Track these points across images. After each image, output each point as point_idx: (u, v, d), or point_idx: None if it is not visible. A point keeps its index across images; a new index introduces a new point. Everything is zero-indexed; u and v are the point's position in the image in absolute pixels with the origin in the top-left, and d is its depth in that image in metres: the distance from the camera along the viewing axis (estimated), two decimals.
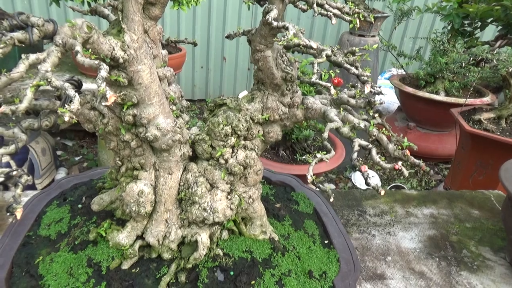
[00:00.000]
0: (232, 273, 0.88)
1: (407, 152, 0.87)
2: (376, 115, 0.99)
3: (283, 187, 1.28)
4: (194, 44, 2.23)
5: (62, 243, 0.92)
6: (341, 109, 0.90)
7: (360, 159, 0.82)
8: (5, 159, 2.70)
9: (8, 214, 0.63)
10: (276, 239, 1.00)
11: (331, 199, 0.79)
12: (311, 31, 4.31)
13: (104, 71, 0.59)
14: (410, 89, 3.40)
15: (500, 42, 1.82)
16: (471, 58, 2.29)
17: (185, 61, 2.58)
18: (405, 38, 4.47)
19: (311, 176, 0.75)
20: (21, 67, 0.59)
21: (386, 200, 1.67)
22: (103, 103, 0.57)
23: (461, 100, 3.05)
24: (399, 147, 0.88)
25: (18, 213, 0.64)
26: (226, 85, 4.65)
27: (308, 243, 1.02)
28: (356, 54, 0.81)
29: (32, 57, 0.60)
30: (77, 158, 3.41)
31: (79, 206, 1.04)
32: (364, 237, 1.43)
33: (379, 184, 3.26)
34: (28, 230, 0.98)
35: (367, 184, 0.81)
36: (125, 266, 0.86)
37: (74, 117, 0.55)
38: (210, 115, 0.93)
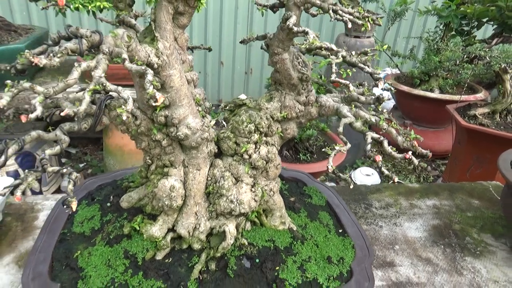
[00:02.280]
0: (257, 260, 0.95)
1: (415, 143, 0.95)
2: (384, 110, 1.07)
3: (295, 182, 1.36)
4: (209, 50, 2.33)
5: (97, 238, 0.98)
6: (352, 105, 0.98)
7: (374, 150, 0.89)
8: (13, 167, 2.75)
9: (64, 207, 0.70)
10: (295, 229, 1.07)
11: (351, 186, 0.86)
12: None
13: (150, 75, 0.66)
14: (405, 88, 3.50)
15: (497, 40, 1.92)
16: (465, 56, 2.39)
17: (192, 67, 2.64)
18: (398, 38, 4.58)
19: (331, 166, 0.82)
20: (75, 74, 0.66)
21: (390, 194, 1.75)
22: (153, 104, 0.64)
23: (456, 97, 3.15)
24: (407, 138, 0.95)
25: (74, 205, 0.70)
26: (224, 89, 4.73)
27: (324, 232, 1.10)
28: (368, 54, 0.89)
29: (84, 65, 0.67)
30: (81, 165, 3.46)
31: (108, 204, 1.10)
32: (372, 228, 1.51)
33: (379, 181, 3.35)
34: (62, 228, 1.04)
35: (382, 172, 0.88)
36: (159, 256, 0.93)
37: (130, 116, 0.62)
38: (231, 115, 1.00)
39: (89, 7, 2.40)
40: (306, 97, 0.97)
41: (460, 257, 1.38)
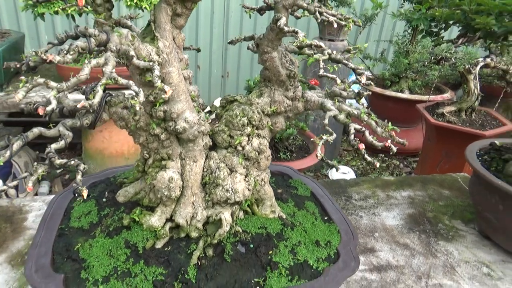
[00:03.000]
0: (251, 245, 1.01)
1: (393, 133, 1.04)
2: (364, 105, 1.16)
3: (281, 175, 1.43)
4: (198, 50, 2.42)
5: (97, 231, 1.02)
6: (335, 100, 1.06)
7: (357, 139, 0.98)
8: None
9: (76, 195, 0.74)
10: (284, 217, 1.14)
11: (338, 171, 0.94)
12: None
13: (157, 71, 0.71)
14: (377, 89, 3.66)
15: (462, 40, 2.08)
16: (432, 58, 2.55)
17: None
18: (369, 41, 4.76)
19: (320, 154, 0.90)
20: (86, 70, 0.70)
21: (368, 186, 1.85)
22: (163, 96, 0.69)
23: (425, 97, 3.33)
24: (385, 129, 1.04)
25: (85, 193, 0.74)
26: (201, 92, 4.76)
27: (311, 219, 1.17)
28: (351, 52, 0.98)
29: (93, 61, 0.72)
30: (58, 171, 3.41)
31: (104, 200, 1.14)
32: (353, 218, 1.60)
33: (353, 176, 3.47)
34: (60, 224, 1.07)
35: (365, 159, 0.97)
36: (159, 245, 0.98)
37: (142, 107, 0.67)
38: (223, 110, 1.07)
39: (69, 11, 2.40)
40: (293, 92, 1.05)
41: (434, 241, 1.49)
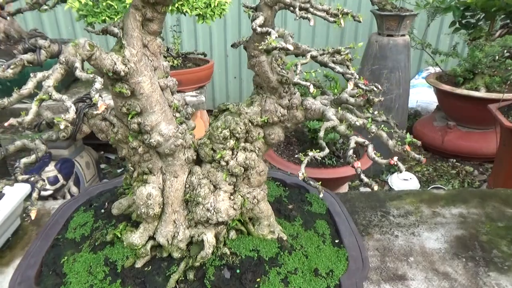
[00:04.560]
0: (238, 271, 0.92)
1: (407, 147, 0.87)
2: (381, 112, 1.00)
3: (298, 188, 1.30)
4: (204, 55, 2.45)
5: (85, 245, 1.00)
6: (339, 108, 0.92)
7: (354, 156, 0.83)
8: (53, 173, 2.91)
9: (24, 215, 0.71)
10: (285, 238, 1.02)
11: (321, 195, 0.81)
12: (342, 34, 4.29)
13: (98, 84, 0.65)
14: (447, 87, 3.29)
15: (501, 31, 1.73)
16: (505, 51, 2.19)
17: (213, 72, 2.66)
18: (441, 35, 4.32)
19: (302, 173, 0.77)
20: (30, 84, 0.67)
21: (411, 201, 1.63)
22: (94, 112, 0.64)
23: (499, 96, 2.90)
24: (399, 142, 0.87)
25: (33, 214, 0.71)
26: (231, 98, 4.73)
27: (317, 242, 1.04)
28: (342, 53, 0.83)
29: (39, 75, 0.68)
30: (119, 170, 3.60)
31: (102, 211, 1.12)
32: (386, 238, 1.41)
33: (418, 186, 3.17)
34: (57, 234, 1.08)
35: (361, 180, 0.81)
36: (138, 264, 0.93)
37: (69, 125, 0.62)
38: (214, 120, 0.98)
39: (116, 19, 2.45)
40: (289, 100, 0.93)
41: (483, 272, 1.25)
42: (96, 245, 0.98)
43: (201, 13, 2.47)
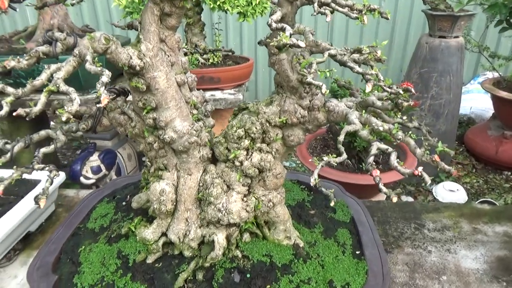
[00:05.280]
0: (248, 275, 0.89)
1: (436, 157, 0.79)
2: (404, 117, 0.92)
3: (327, 195, 1.24)
4: (232, 52, 2.45)
5: (102, 236, 1.02)
6: (363, 111, 0.86)
7: (374, 163, 0.77)
8: (96, 163, 3.04)
9: (35, 203, 0.73)
10: (301, 245, 0.98)
11: (332, 203, 0.75)
12: (392, 35, 4.11)
13: (105, 77, 0.65)
14: (504, 94, 3.05)
15: None
16: None
17: (252, 70, 2.65)
18: (502, 37, 4.01)
19: (314, 179, 0.72)
20: (43, 75, 0.68)
21: (450, 214, 1.51)
22: (97, 105, 0.64)
23: None
24: (427, 152, 0.80)
25: (42, 203, 0.73)
26: None
27: (336, 252, 0.98)
28: (363, 52, 0.77)
29: (53, 67, 0.69)
30: None
31: (123, 203, 1.14)
32: (418, 252, 1.32)
33: (465, 199, 2.96)
34: (80, 223, 1.10)
35: (379, 189, 0.75)
36: (149, 260, 0.92)
37: (71, 117, 0.62)
38: (233, 119, 0.96)
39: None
40: (310, 101, 0.88)
41: None
42: (112, 237, 0.99)
43: (242, 11, 2.46)
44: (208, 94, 2.41)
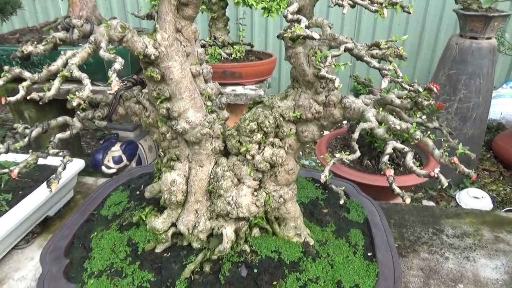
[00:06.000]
0: (255, 270, 0.88)
1: (455, 160, 0.76)
2: (423, 117, 0.89)
3: (338, 193, 1.22)
4: (251, 46, 2.44)
5: (114, 223, 1.03)
6: (381, 109, 0.83)
7: (388, 163, 0.74)
8: (118, 153, 3.09)
9: (46, 187, 0.74)
10: (311, 243, 0.96)
11: (341, 201, 0.73)
12: (421, 35, 4.00)
13: (118, 64, 0.65)
14: None
15: None
16: None
17: (274, 67, 2.63)
18: None
19: (325, 176, 0.70)
20: (59, 61, 0.69)
21: (471, 221, 1.46)
22: (108, 91, 0.64)
23: None
24: (446, 153, 0.77)
25: (53, 187, 0.74)
26: None
27: (347, 253, 0.96)
28: (381, 47, 0.74)
29: (69, 53, 0.70)
30: None
31: (137, 192, 1.15)
32: (434, 258, 1.27)
33: (490, 207, 2.86)
34: (94, 209, 1.12)
35: (392, 190, 0.72)
36: (158, 249, 0.93)
37: (82, 102, 0.62)
38: (247, 112, 0.95)
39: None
40: (326, 96, 0.86)
41: None
42: (123, 224, 1.00)
43: (266, 6, 2.45)
44: (229, 89, 2.41)
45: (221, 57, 2.53)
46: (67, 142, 2.78)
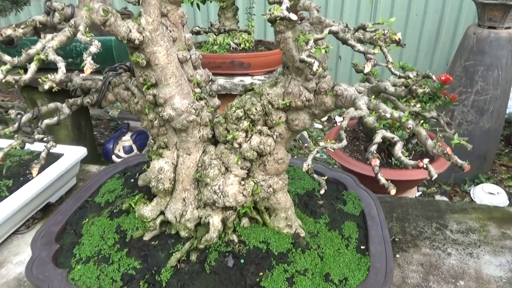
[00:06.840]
0: (242, 261, 0.86)
1: (449, 150, 0.72)
2: (432, 106, 0.85)
3: (336, 184, 1.19)
4: (248, 33, 2.40)
5: (106, 210, 1.03)
6: (373, 97, 0.80)
7: (375, 152, 0.71)
8: (128, 143, 3.12)
9: (27, 171, 0.74)
10: (302, 235, 0.94)
11: (322, 191, 0.71)
12: (440, 26, 3.87)
13: (94, 47, 0.64)
14: None
15: None
16: None
17: None
18: None
19: (307, 165, 0.68)
20: (38, 45, 0.68)
21: (477, 216, 1.40)
22: (81, 75, 0.64)
23: None
24: (439, 143, 0.73)
25: (34, 171, 0.74)
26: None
27: (339, 245, 0.93)
28: (367, 29, 0.71)
29: (48, 36, 0.69)
30: None
31: (131, 180, 1.14)
32: (436, 254, 1.23)
33: (506, 203, 2.77)
34: (89, 196, 1.13)
35: (378, 180, 0.69)
36: (146, 237, 0.92)
37: (54, 85, 0.61)
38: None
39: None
40: (316, 84, 0.83)
41: None
42: (114, 212, 1.00)
43: None
44: (237, 79, 2.39)
45: (230, 47, 2.51)
46: (78, 130, 2.82)
